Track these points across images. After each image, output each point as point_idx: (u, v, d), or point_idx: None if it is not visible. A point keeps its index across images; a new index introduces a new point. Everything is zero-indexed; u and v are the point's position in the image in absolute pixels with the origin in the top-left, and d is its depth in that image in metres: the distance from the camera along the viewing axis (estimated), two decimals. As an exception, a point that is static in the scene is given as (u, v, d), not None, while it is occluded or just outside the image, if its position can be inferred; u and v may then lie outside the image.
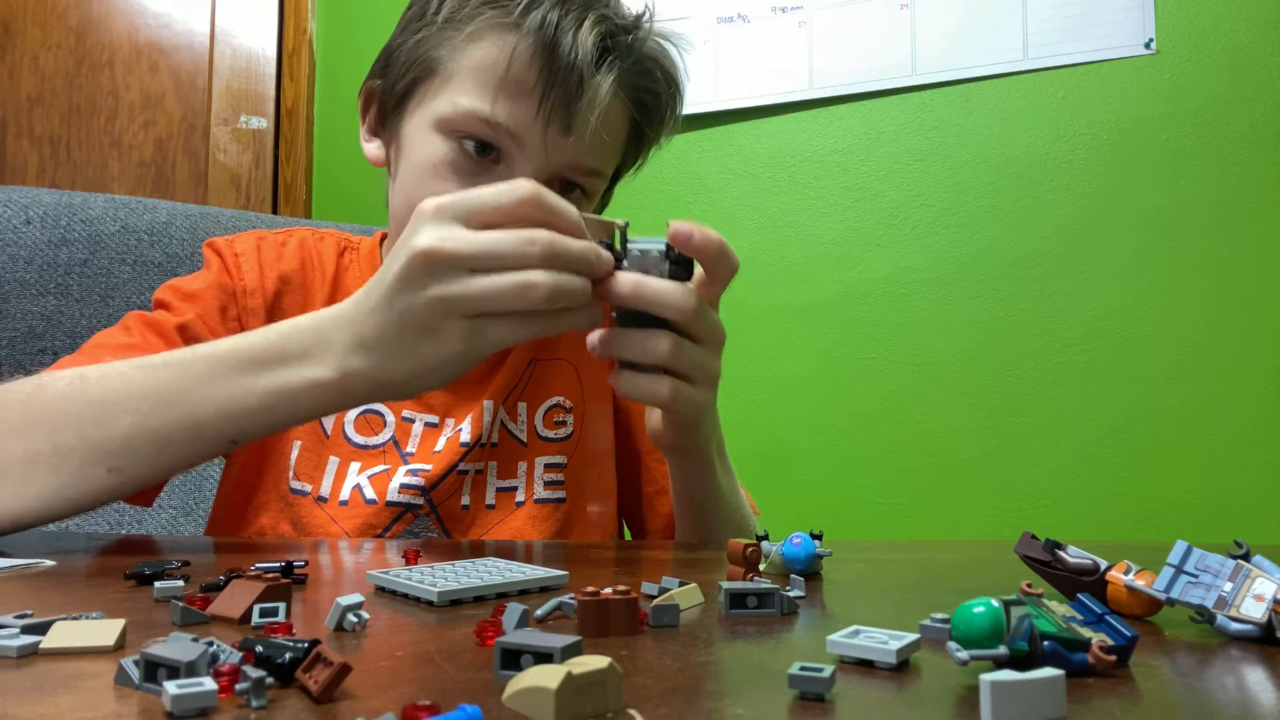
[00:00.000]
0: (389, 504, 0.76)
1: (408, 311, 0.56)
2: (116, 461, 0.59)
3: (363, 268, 0.85)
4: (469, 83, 0.73)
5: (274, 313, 0.80)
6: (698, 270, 0.61)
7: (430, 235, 0.54)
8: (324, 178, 2.22)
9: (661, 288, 0.58)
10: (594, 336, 0.61)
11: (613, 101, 0.75)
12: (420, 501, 0.76)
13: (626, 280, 0.57)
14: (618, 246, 0.59)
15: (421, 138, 0.75)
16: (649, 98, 0.80)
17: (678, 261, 0.59)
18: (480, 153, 0.73)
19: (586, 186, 0.78)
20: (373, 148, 0.83)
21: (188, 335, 0.74)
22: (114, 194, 1.13)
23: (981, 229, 1.63)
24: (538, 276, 0.54)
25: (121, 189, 2.07)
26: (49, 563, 0.50)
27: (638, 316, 0.59)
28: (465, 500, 0.79)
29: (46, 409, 0.60)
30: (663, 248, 0.59)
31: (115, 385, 0.61)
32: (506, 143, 0.73)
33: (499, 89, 0.72)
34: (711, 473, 0.73)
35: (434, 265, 0.54)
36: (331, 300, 0.82)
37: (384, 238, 0.88)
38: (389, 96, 0.79)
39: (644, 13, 0.78)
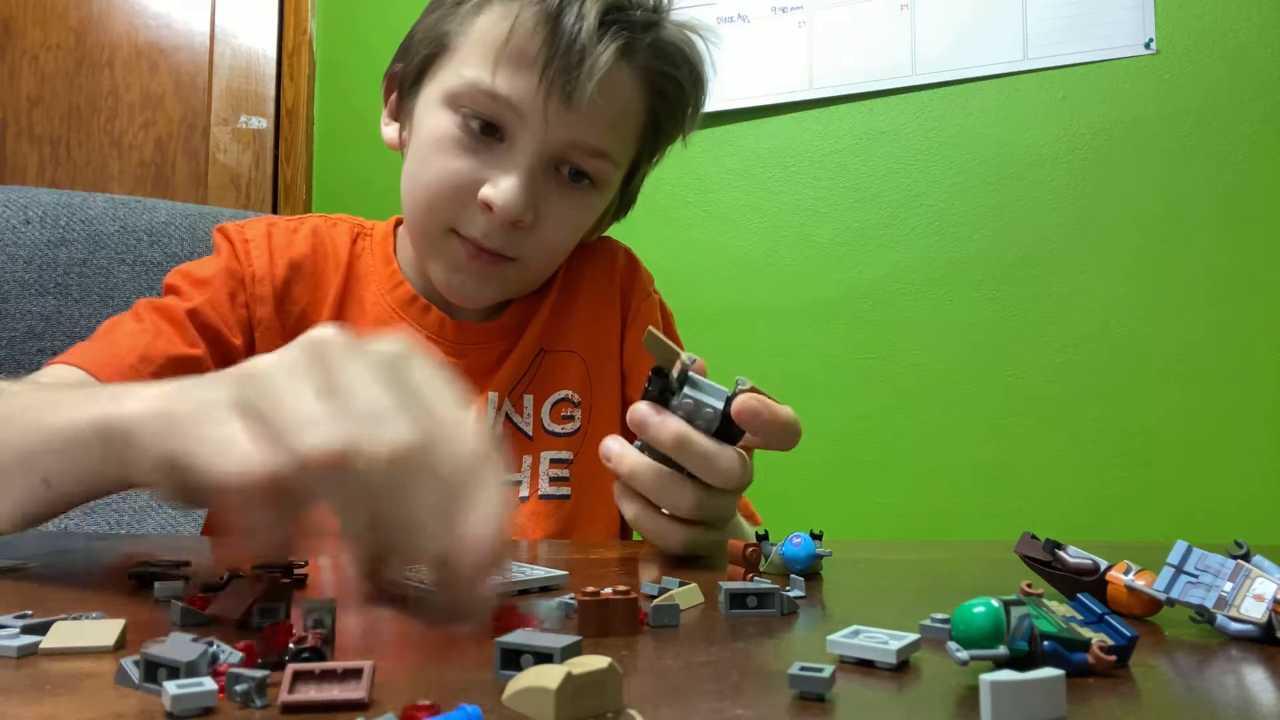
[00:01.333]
0: None
1: None
2: None
3: (376, 254, 0.85)
4: (474, 54, 0.73)
5: (283, 300, 0.79)
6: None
7: None
8: (324, 178, 2.22)
9: (706, 452, 0.52)
10: (613, 447, 0.56)
11: (627, 83, 0.75)
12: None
13: (671, 430, 0.52)
14: (674, 382, 0.53)
15: (430, 113, 0.76)
16: (669, 84, 0.78)
17: (731, 421, 0.53)
18: (484, 132, 0.73)
19: (594, 172, 0.76)
20: (390, 131, 0.84)
21: (197, 321, 0.74)
22: (114, 194, 1.13)
23: (981, 229, 1.63)
24: None
25: (121, 189, 2.07)
26: (32, 564, 0.50)
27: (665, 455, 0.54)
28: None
29: None
30: (721, 405, 0.53)
31: None
32: (509, 117, 0.73)
33: (500, 59, 0.71)
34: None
35: None
36: (345, 287, 0.82)
37: (399, 223, 0.87)
38: (406, 77, 0.80)
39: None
